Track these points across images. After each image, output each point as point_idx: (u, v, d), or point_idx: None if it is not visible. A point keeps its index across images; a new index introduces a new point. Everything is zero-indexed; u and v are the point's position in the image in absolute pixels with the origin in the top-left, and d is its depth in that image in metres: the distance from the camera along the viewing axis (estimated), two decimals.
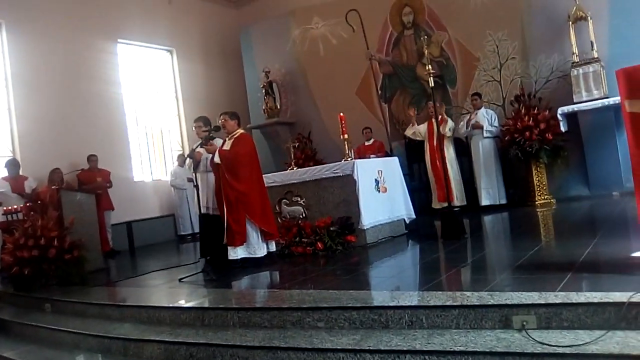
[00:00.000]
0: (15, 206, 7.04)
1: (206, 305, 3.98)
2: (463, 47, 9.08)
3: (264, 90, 10.78)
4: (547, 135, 7.29)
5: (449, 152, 8.23)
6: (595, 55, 7.31)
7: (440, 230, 5.60)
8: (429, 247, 5.55)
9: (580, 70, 7.28)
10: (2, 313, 5.58)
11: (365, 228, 5.70)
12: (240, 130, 5.69)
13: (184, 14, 11.85)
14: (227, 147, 5.59)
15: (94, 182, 9.26)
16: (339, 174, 5.88)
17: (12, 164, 8.19)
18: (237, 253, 5.39)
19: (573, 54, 7.48)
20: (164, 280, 5.49)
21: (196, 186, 5.68)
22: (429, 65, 5.76)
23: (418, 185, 8.86)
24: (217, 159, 5.43)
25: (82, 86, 9.72)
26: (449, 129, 8.10)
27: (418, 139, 8.53)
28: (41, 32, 9.26)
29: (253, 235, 5.47)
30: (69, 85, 9.52)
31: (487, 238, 5.89)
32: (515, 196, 8.06)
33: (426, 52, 5.91)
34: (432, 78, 5.78)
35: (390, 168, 6.47)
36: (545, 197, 7.56)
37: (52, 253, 5.92)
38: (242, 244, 5.39)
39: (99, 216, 7.63)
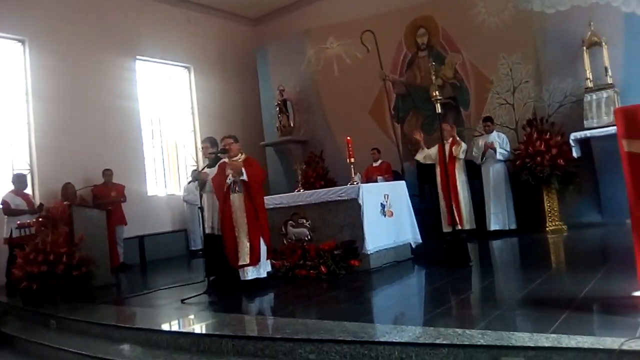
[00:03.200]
0: (28, 221, 7.18)
1: (203, 331, 3.99)
2: (477, 69, 9.05)
3: (278, 108, 10.87)
4: (558, 160, 7.19)
5: (460, 175, 8.17)
6: (610, 81, 7.21)
7: (445, 257, 5.53)
8: (432, 274, 5.49)
9: (594, 96, 7.19)
10: (10, 327, 5.67)
11: (369, 253, 5.68)
12: (243, 155, 5.72)
13: (202, 32, 12.06)
14: (232, 169, 5.62)
15: (109, 196, 9.42)
16: (344, 198, 5.89)
17: (21, 180, 8.21)
18: (249, 274, 5.41)
19: (587, 79, 7.40)
20: (168, 299, 5.51)
21: (201, 207, 5.72)
22: (437, 92, 5.75)
23: (429, 207, 8.81)
24: (244, 177, 5.40)
25: (99, 101, 9.94)
26: (462, 151, 8.05)
27: (429, 162, 8.47)
28: (61, 48, 9.51)
29: (263, 253, 5.50)
30: (87, 100, 9.74)
31: (492, 266, 5.81)
32: (526, 221, 7.94)
33: (434, 78, 5.93)
34: (439, 103, 5.77)
35: (397, 192, 6.45)
36: (557, 223, 7.44)
37: (60, 269, 6.01)
38: (258, 264, 5.42)
39: (110, 231, 7.75)
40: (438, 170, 8.38)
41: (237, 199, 5.47)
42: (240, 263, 5.33)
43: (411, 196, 9.26)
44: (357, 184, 5.94)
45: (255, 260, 5.38)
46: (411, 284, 5.27)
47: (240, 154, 5.74)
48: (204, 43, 12.11)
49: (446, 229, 8.25)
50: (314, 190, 6.37)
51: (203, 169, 5.99)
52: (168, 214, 10.91)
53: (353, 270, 5.67)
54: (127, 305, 5.60)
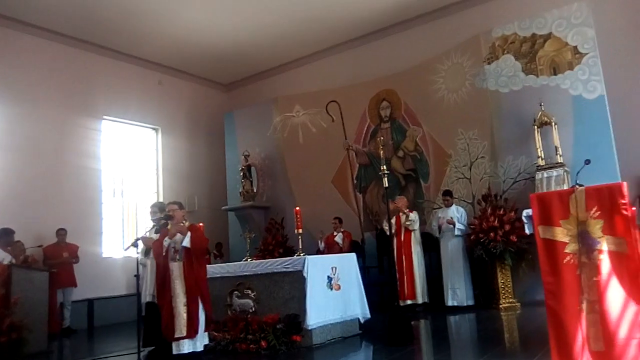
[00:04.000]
0: None
1: None
2: (436, 143, 9.23)
3: (242, 173, 10.85)
4: (511, 237, 7.20)
5: (415, 247, 8.15)
6: (560, 160, 7.37)
7: (387, 335, 5.35)
8: (374, 353, 5.29)
9: (545, 174, 7.31)
10: None
11: (310, 328, 5.47)
12: (187, 222, 5.60)
13: (172, 94, 12.21)
14: (177, 236, 5.48)
15: (60, 257, 9.13)
16: (290, 269, 5.75)
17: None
18: (184, 347, 5.14)
19: (539, 157, 7.56)
20: None
21: (137, 275, 5.51)
22: (384, 166, 5.79)
23: (387, 279, 8.68)
24: (186, 244, 5.24)
25: (60, 159, 9.85)
26: (411, 221, 8.07)
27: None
28: (26, 104, 9.48)
29: (202, 325, 5.25)
30: (47, 157, 9.63)
31: (433, 347, 5.63)
32: (481, 297, 7.85)
33: (382, 153, 6.00)
34: (386, 179, 5.80)
35: (346, 264, 6.33)
36: (510, 300, 7.35)
37: None
38: (195, 336, 5.16)
39: (52, 294, 7.41)
40: (395, 241, 8.33)
41: (176, 268, 5.27)
42: (176, 335, 5.07)
43: (370, 267, 9.26)
44: (304, 255, 5.81)
45: (192, 332, 5.11)
46: None
47: (184, 221, 5.62)
48: (174, 105, 12.24)
49: (401, 302, 8.12)
50: (260, 261, 6.22)
51: (146, 233, 5.83)
52: (123, 277, 10.53)
53: (295, 346, 5.44)
54: None
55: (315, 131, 10.46)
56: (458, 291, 7.74)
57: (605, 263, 2.78)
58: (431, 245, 8.44)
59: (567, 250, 2.86)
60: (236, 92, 13.08)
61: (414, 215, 8.22)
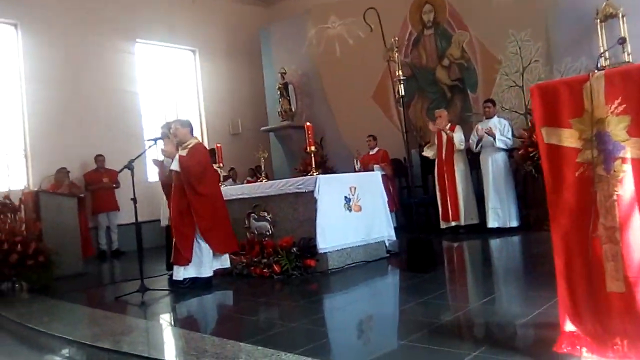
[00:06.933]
0: None
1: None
2: (484, 48, 8.20)
3: (279, 92, 10.35)
4: None
5: (459, 165, 7.44)
6: (628, 59, 6.26)
7: (403, 261, 4.89)
8: (384, 279, 4.89)
9: None
10: None
11: (322, 252, 5.10)
12: (195, 140, 5.27)
13: (207, 13, 11.65)
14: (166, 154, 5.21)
15: (100, 182, 9.27)
16: (302, 190, 5.33)
17: None
18: (181, 273, 4.99)
19: (602, 56, 6.45)
20: (113, 293, 5.22)
21: (133, 199, 5.28)
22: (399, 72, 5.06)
23: (431, 199, 8.12)
24: (175, 167, 5.02)
25: (95, 86, 9.73)
26: (460, 142, 7.31)
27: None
28: (56, 32, 9.34)
29: (203, 252, 5.04)
30: (82, 84, 9.56)
31: (453, 273, 5.12)
32: (530, 218, 7.11)
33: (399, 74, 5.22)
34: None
35: (369, 184, 5.81)
36: None
37: (13, 258, 5.80)
38: (188, 264, 4.97)
39: (82, 219, 7.51)
40: (437, 160, 7.67)
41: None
42: (171, 261, 4.91)
43: (415, 187, 8.68)
44: (318, 174, 5.35)
45: (181, 260, 4.91)
46: (355, 294, 4.38)
47: (193, 140, 5.29)
48: (210, 24, 11.69)
49: (443, 224, 7.58)
50: (274, 181, 5.84)
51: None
52: None
53: (309, 270, 5.12)
54: (65, 300, 5.20)
55: (353, 43, 9.64)
56: (500, 211, 7.02)
57: (629, 176, 2.08)
58: (477, 163, 7.68)
59: (579, 160, 2.17)
60: (274, 6, 12.28)
61: (458, 136, 7.41)
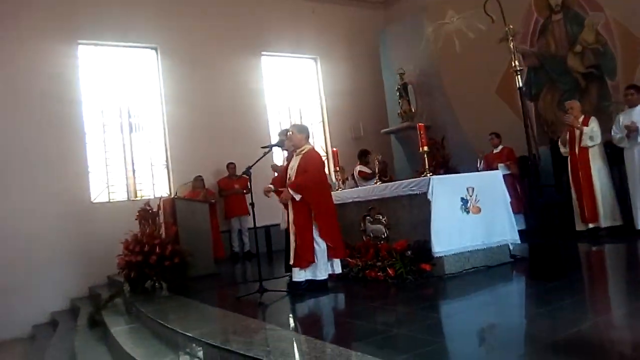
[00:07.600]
0: None
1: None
2: (624, 29, 7.35)
3: (398, 93, 10.24)
4: None
5: (596, 162, 6.74)
6: None
7: (528, 267, 4.53)
8: (503, 287, 4.57)
9: None
10: (105, 311, 6.21)
11: (437, 256, 4.92)
12: (309, 146, 5.39)
13: (328, 21, 11.92)
14: (294, 165, 5.35)
15: (232, 188, 9.92)
16: (415, 192, 5.20)
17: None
18: (302, 275, 5.13)
19: None
20: (237, 293, 5.54)
21: (252, 204, 5.52)
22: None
23: (564, 200, 7.46)
24: (297, 197, 5.12)
25: (226, 100, 10.43)
26: (590, 138, 6.63)
27: None
28: (190, 52, 10.19)
29: (320, 255, 5.15)
30: (214, 100, 10.30)
31: (585, 282, 4.60)
32: None
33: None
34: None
35: (488, 184, 5.47)
36: None
37: (153, 259, 6.42)
38: (309, 266, 5.12)
39: (214, 224, 8.07)
40: (570, 156, 7.03)
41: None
42: (291, 262, 5.06)
43: (546, 186, 8.04)
44: (430, 175, 5.18)
45: (301, 262, 5.03)
46: (470, 305, 4.07)
47: (307, 146, 5.43)
48: (330, 31, 11.96)
49: (579, 226, 6.92)
50: (387, 183, 5.76)
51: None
52: None
53: (424, 275, 4.98)
54: (194, 298, 5.62)
55: (473, 37, 9.17)
56: None
57: None
58: (618, 157, 6.90)
59: None
60: (392, 7, 12.19)
61: (590, 129, 6.72)
